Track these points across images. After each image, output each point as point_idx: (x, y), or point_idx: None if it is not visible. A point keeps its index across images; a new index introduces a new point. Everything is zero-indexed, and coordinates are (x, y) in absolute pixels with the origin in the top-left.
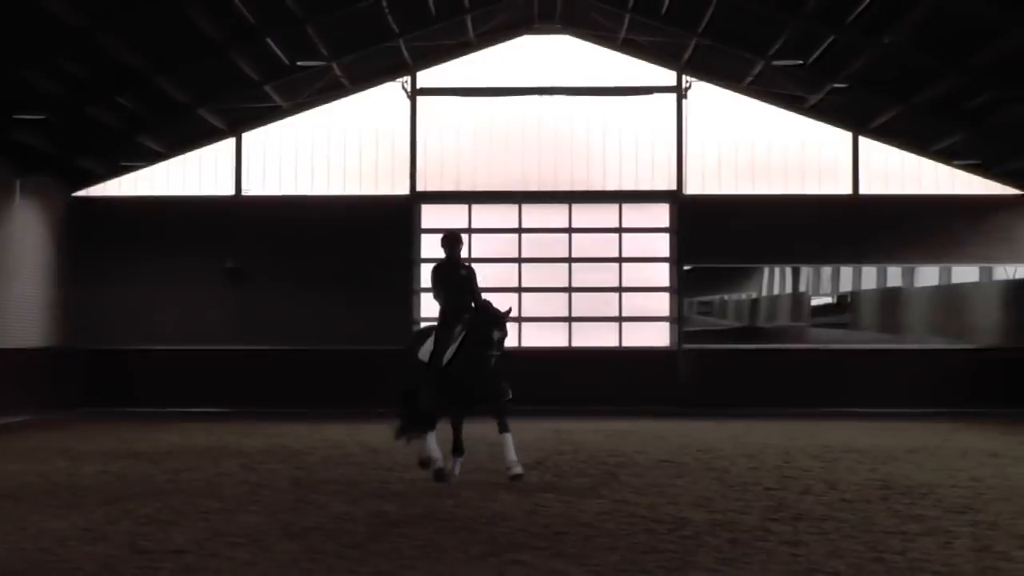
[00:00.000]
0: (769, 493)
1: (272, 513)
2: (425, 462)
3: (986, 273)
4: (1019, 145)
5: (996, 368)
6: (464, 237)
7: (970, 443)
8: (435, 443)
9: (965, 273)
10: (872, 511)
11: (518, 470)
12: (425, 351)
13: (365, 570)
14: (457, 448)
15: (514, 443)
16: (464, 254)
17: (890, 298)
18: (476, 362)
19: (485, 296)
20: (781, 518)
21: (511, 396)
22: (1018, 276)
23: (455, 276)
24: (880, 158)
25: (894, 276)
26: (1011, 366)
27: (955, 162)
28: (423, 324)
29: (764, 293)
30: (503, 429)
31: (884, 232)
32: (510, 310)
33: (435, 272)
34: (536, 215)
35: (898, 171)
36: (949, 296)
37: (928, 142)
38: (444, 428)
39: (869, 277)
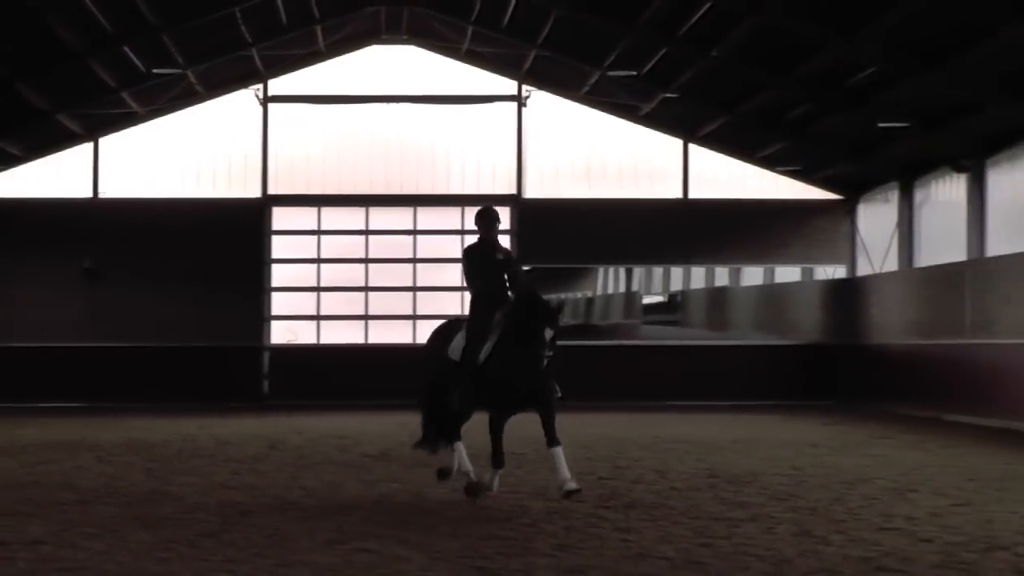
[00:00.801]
0: (602, 482)
1: (127, 504)
2: (444, 471)
3: (807, 273)
4: (837, 153)
5: (817, 362)
6: (498, 215)
7: (792, 433)
8: (465, 454)
9: (788, 273)
10: (700, 498)
11: (572, 485)
12: (456, 348)
13: (217, 558)
14: (497, 460)
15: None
16: (490, 240)
17: (717, 297)
18: (523, 362)
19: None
20: (614, 506)
21: (561, 395)
22: (837, 276)
23: (491, 259)
24: (708, 164)
25: (721, 276)
26: (830, 360)
27: (778, 168)
28: (448, 316)
29: (599, 292)
30: (552, 443)
31: (712, 234)
32: (563, 302)
33: (467, 255)
34: (383, 218)
35: (725, 176)
36: (773, 295)
37: (753, 149)
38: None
39: (698, 277)
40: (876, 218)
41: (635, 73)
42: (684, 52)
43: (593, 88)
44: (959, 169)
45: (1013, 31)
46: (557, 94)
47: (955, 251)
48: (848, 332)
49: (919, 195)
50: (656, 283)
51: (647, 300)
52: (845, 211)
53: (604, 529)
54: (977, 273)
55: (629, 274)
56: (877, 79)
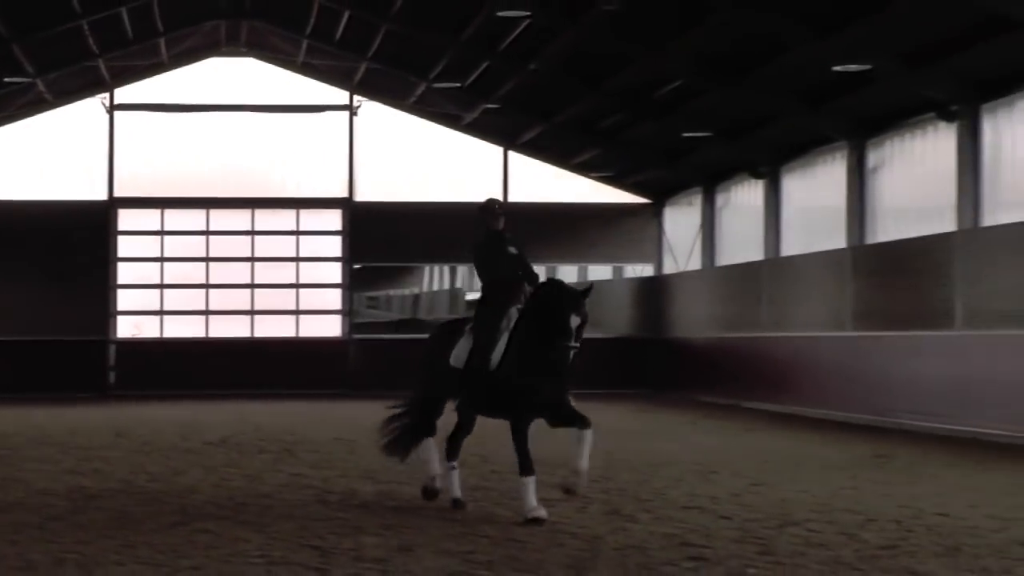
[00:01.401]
0: None
1: None
2: (432, 489)
3: (618, 271)
4: (646, 160)
5: (627, 354)
6: (502, 205)
7: (604, 420)
8: (435, 453)
9: (599, 271)
10: (515, 481)
11: (577, 483)
12: (460, 354)
13: (66, 540)
14: (527, 467)
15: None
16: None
17: None
18: (544, 359)
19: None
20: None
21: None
22: (645, 274)
23: (502, 254)
24: (527, 170)
25: (539, 273)
26: (640, 352)
27: (591, 174)
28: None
29: (425, 289)
30: (584, 424)
31: (530, 235)
32: (591, 287)
33: (474, 250)
34: (222, 219)
35: (543, 181)
36: None
37: (569, 156)
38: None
39: None
40: (681, 220)
41: (459, 85)
42: (505, 65)
43: (420, 98)
44: (757, 175)
45: (806, 49)
46: (387, 104)
47: (753, 251)
48: (655, 326)
49: (720, 199)
50: (478, 280)
51: (470, 296)
52: (653, 214)
53: (429, 510)
54: (773, 271)
55: (453, 272)
56: (683, 91)
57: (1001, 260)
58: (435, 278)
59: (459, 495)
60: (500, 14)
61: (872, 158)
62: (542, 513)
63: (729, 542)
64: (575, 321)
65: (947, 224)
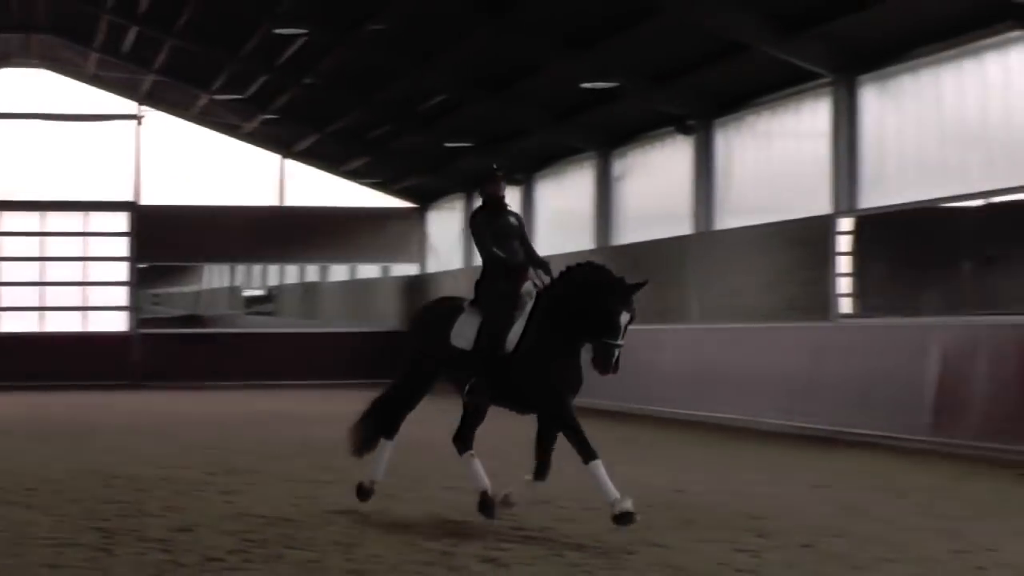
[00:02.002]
0: (209, 452)
1: None
2: (366, 489)
3: (385, 270)
4: (411, 167)
5: (393, 345)
6: (503, 174)
7: None
8: (387, 457)
9: (369, 270)
10: (294, 464)
11: (625, 507)
12: (463, 334)
13: None
14: (541, 470)
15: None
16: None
17: (309, 290)
18: (573, 352)
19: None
20: (218, 472)
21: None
22: (410, 273)
23: (505, 224)
24: (302, 176)
25: (313, 272)
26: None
27: (363, 180)
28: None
29: (205, 287)
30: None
31: (305, 237)
32: (646, 281)
33: (475, 220)
34: (14, 221)
35: (317, 187)
36: (356, 289)
37: (341, 163)
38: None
39: (292, 273)
40: (444, 223)
41: (240, 97)
42: (282, 79)
43: (203, 109)
44: (512, 182)
45: (557, 67)
46: (172, 114)
47: None
48: None
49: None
50: (256, 279)
51: (248, 293)
52: (418, 217)
53: (209, 492)
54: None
55: (232, 271)
56: (446, 105)
57: (732, 261)
58: (215, 277)
59: (487, 485)
60: (277, 31)
61: (617, 167)
62: (628, 505)
63: (485, 519)
64: (625, 318)
65: (684, 228)
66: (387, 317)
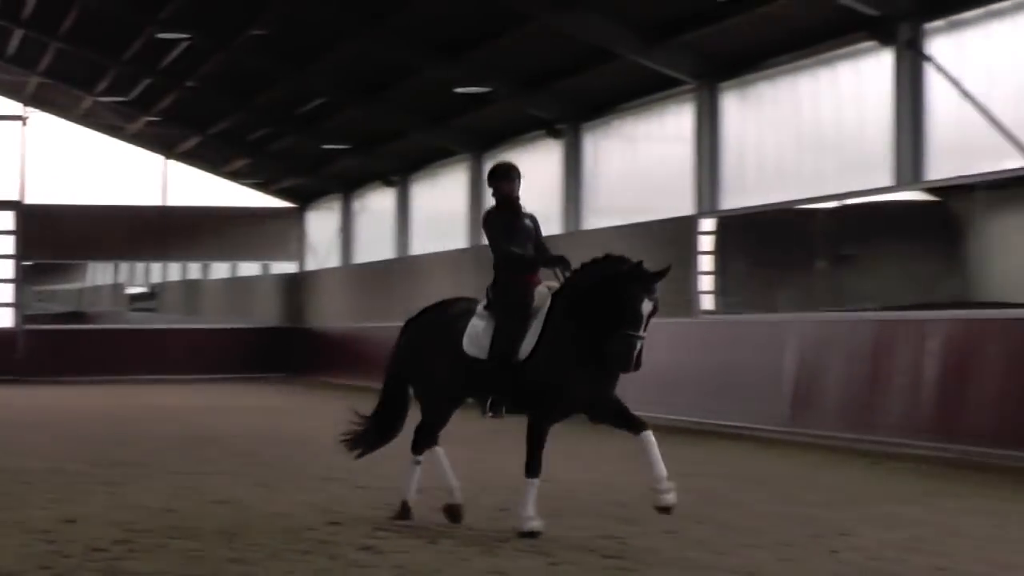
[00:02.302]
0: (93, 445)
1: None
2: (405, 511)
3: (266, 268)
4: (290, 169)
5: (272, 341)
6: (518, 170)
7: (253, 400)
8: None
9: (249, 268)
10: (174, 456)
11: (669, 499)
12: (477, 341)
13: None
14: (532, 467)
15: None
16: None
17: (191, 288)
18: (594, 349)
19: None
20: (102, 464)
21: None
22: (289, 271)
23: (519, 225)
24: (185, 176)
25: (195, 270)
26: (284, 340)
27: (243, 181)
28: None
29: (89, 284)
30: (641, 428)
31: (187, 236)
32: (669, 268)
33: (490, 221)
34: None
35: (199, 187)
36: (237, 286)
37: (222, 165)
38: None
39: (175, 271)
40: (322, 223)
41: (123, 99)
42: (165, 82)
43: (88, 111)
44: (389, 184)
45: (431, 72)
46: (57, 115)
47: (386, 250)
48: (297, 316)
49: (357, 204)
50: (139, 276)
51: (131, 291)
52: (297, 217)
53: (93, 485)
54: (403, 268)
55: (116, 269)
56: (324, 108)
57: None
58: (99, 274)
59: (412, 495)
60: (160, 36)
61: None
62: (536, 525)
63: (364, 508)
64: (647, 307)
65: (554, 227)
66: (267, 313)
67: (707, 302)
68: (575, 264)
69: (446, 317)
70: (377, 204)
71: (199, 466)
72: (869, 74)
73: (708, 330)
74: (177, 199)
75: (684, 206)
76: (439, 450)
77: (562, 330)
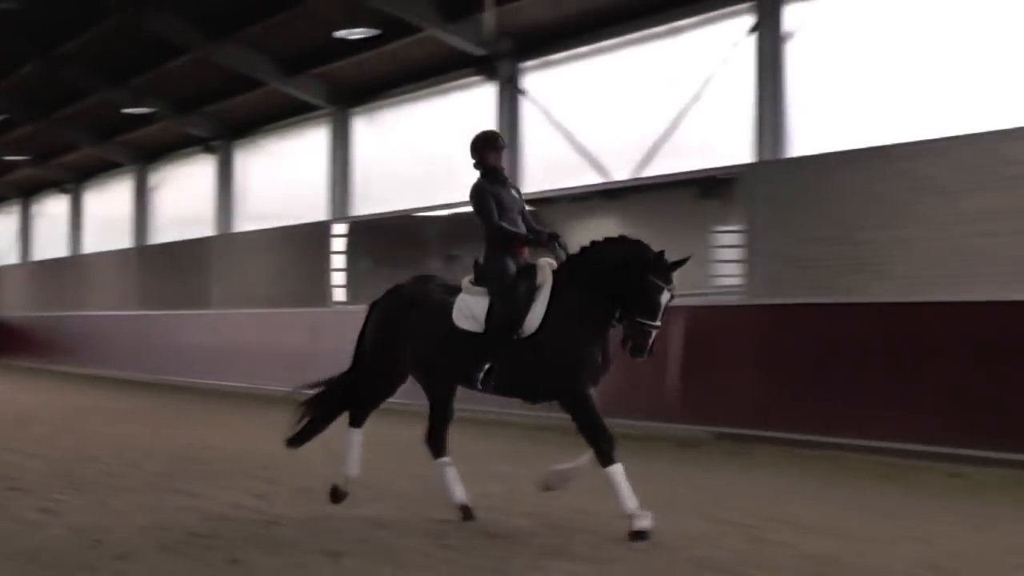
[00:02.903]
0: None
1: None
2: (339, 493)
3: None
4: None
5: None
6: (503, 139)
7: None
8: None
9: None
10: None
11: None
12: (470, 314)
13: None
14: (606, 453)
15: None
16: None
17: None
18: (602, 333)
19: None
20: None
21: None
22: None
23: (507, 196)
24: None
25: None
26: None
27: None
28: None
29: None
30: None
31: None
32: (689, 257)
33: (479, 191)
34: None
35: None
36: None
37: None
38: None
39: None
40: (3, 225)
41: None
42: None
43: None
44: (64, 191)
45: (102, 94)
46: None
47: (61, 249)
48: None
49: (35, 209)
50: None
51: None
52: None
53: None
54: (76, 265)
55: None
56: (5, 124)
57: (247, 258)
58: None
59: (464, 500)
60: None
61: (152, 179)
62: (647, 523)
63: (40, 476)
64: (666, 298)
65: (208, 230)
66: None
67: (339, 294)
68: (574, 244)
69: (425, 294)
70: (53, 209)
71: (26, 459)
72: (476, 103)
73: (339, 318)
74: None
75: (320, 212)
76: (357, 432)
77: (572, 305)
